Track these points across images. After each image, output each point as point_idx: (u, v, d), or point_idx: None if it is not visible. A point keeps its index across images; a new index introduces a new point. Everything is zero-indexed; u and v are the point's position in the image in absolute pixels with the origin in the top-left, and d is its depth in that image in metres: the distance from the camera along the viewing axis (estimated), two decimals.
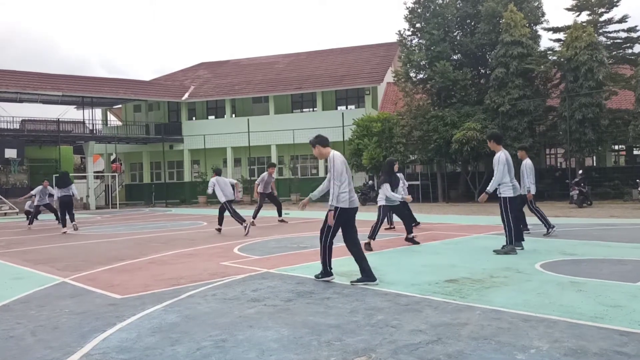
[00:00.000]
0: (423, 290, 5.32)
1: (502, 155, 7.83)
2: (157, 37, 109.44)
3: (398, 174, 10.26)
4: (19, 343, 4.00)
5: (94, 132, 34.31)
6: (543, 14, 25.93)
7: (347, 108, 33.52)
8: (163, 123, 35.75)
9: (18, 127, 31.65)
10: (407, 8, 26.56)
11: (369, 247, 8.38)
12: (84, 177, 33.04)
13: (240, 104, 36.18)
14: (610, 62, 23.87)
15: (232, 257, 8.26)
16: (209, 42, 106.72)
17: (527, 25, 23.61)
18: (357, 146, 25.94)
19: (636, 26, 24.89)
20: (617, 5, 24.86)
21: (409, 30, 26.86)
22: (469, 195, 25.58)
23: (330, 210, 5.75)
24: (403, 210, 9.18)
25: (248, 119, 31.61)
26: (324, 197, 6.09)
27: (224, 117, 35.45)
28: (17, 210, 26.00)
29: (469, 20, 26.82)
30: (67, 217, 14.12)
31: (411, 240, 9.15)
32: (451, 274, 6.14)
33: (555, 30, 26.05)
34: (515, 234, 7.83)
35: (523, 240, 8.17)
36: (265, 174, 14.67)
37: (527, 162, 9.99)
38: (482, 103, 24.52)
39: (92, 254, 9.36)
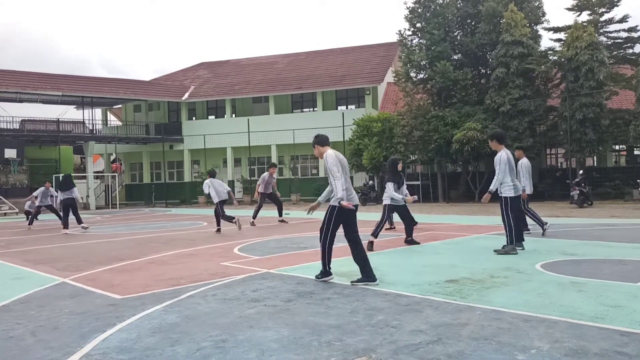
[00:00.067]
0: (423, 291, 5.32)
1: (503, 155, 7.82)
2: (157, 37, 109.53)
3: None
4: (18, 343, 3.99)
5: (94, 132, 34.31)
6: (543, 14, 25.94)
7: (347, 108, 33.52)
8: (163, 123, 35.75)
9: (18, 127, 31.65)
10: (408, 8, 26.59)
11: (371, 246, 8.41)
12: (84, 177, 33.04)
13: (240, 104, 36.17)
14: (610, 62, 23.87)
15: (232, 257, 8.26)
16: (209, 42, 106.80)
17: (528, 25, 23.61)
18: (357, 146, 25.94)
19: (637, 26, 24.89)
20: (617, 5, 24.87)
21: (409, 30, 26.88)
22: (469, 196, 25.57)
23: (337, 203, 5.70)
24: (405, 211, 9.17)
25: (248, 119, 31.62)
26: (315, 196, 6.07)
27: (224, 117, 35.44)
28: (17, 210, 26.00)
29: (469, 20, 26.81)
30: (74, 219, 14.25)
31: (411, 242, 9.14)
32: (451, 274, 6.14)
33: (556, 30, 26.05)
34: (516, 234, 7.82)
35: (523, 240, 8.16)
36: (266, 174, 14.66)
37: (523, 162, 10.00)
38: (482, 103, 24.51)
39: (92, 254, 9.35)
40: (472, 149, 22.50)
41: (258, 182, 14.80)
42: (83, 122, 34.02)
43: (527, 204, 10.20)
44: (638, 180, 21.31)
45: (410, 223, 9.21)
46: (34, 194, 16.60)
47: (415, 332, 3.90)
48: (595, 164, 28.57)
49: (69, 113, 44.17)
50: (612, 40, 25.57)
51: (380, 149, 24.92)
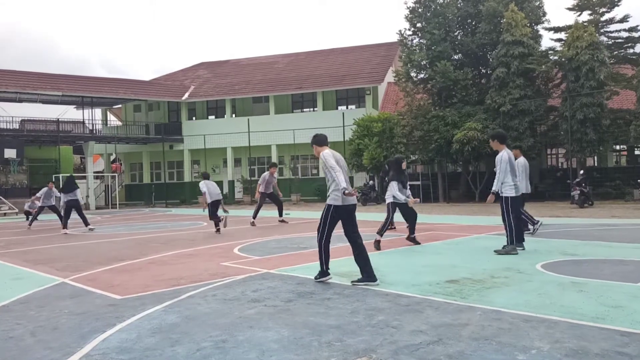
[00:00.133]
0: (424, 291, 5.31)
1: (505, 155, 7.82)
2: (157, 37, 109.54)
3: None
4: (18, 344, 3.99)
5: (94, 132, 34.32)
6: (544, 14, 25.94)
7: (347, 108, 33.51)
8: (163, 123, 35.75)
9: (17, 127, 31.65)
10: (408, 8, 26.59)
11: (378, 245, 8.49)
12: (84, 178, 33.04)
13: (240, 104, 36.17)
14: (611, 61, 23.85)
15: (233, 257, 8.25)
16: (209, 42, 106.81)
17: (528, 24, 23.60)
18: (357, 146, 25.94)
19: (637, 26, 24.86)
20: (618, 5, 24.85)
21: (409, 30, 26.88)
22: (469, 196, 25.56)
23: (333, 201, 5.70)
24: (408, 209, 9.17)
25: (248, 119, 31.61)
26: (323, 197, 6.04)
27: (224, 117, 35.44)
28: (17, 210, 26.00)
29: (469, 20, 26.81)
30: (81, 220, 14.45)
31: (412, 240, 9.14)
32: (452, 275, 6.13)
33: (557, 30, 26.03)
34: (516, 234, 7.81)
35: (524, 240, 8.15)
36: (266, 173, 14.64)
37: (520, 161, 10.00)
38: (483, 103, 24.51)
39: (92, 254, 9.35)
40: (473, 149, 22.49)
41: (259, 182, 14.78)
42: (83, 122, 34.02)
43: (523, 203, 10.19)
44: (639, 180, 21.29)
45: (414, 220, 9.21)
46: (38, 194, 16.65)
47: (415, 333, 3.89)
48: (595, 164, 28.57)
49: (69, 113, 44.24)
50: (612, 40, 25.55)
51: (380, 149, 24.91)
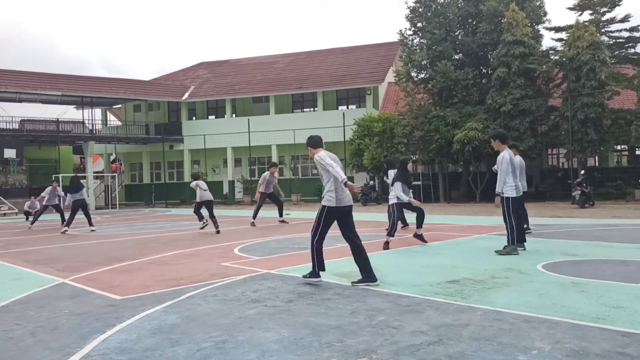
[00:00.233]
0: (424, 291, 5.30)
1: (506, 155, 7.80)
2: (157, 37, 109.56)
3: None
4: (18, 344, 3.98)
5: (94, 132, 34.32)
6: (545, 14, 25.92)
7: (348, 108, 33.50)
8: (163, 123, 35.75)
9: (17, 127, 31.64)
10: (409, 7, 26.57)
11: (387, 246, 8.55)
12: (84, 178, 33.03)
13: (240, 104, 36.17)
14: (612, 61, 23.81)
15: (233, 257, 8.24)
16: (209, 42, 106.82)
17: (529, 24, 23.58)
18: (358, 146, 25.92)
19: (638, 26, 24.78)
20: (619, 5, 24.77)
21: (410, 29, 26.85)
22: (470, 196, 25.55)
23: (328, 202, 5.69)
24: (414, 207, 9.19)
25: (248, 119, 31.60)
26: (320, 196, 6.00)
27: (224, 117, 35.44)
28: (17, 210, 25.99)
29: (470, 20, 26.79)
30: (85, 219, 14.61)
31: (420, 238, 9.14)
32: (453, 275, 6.12)
33: (557, 29, 25.99)
34: (517, 234, 7.80)
35: (525, 241, 8.13)
36: (267, 173, 14.61)
37: (515, 160, 9.98)
38: (483, 103, 24.49)
39: (92, 254, 9.34)
40: (473, 149, 22.48)
41: (259, 182, 14.76)
42: (83, 122, 34.02)
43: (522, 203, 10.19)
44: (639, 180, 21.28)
45: (421, 215, 9.25)
46: (42, 194, 16.76)
47: (416, 333, 3.89)
48: (596, 164, 28.55)
49: (69, 113, 44.20)
50: (613, 40, 25.49)
51: (381, 149, 24.89)
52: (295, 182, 30.75)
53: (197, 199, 13.46)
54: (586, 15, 25.52)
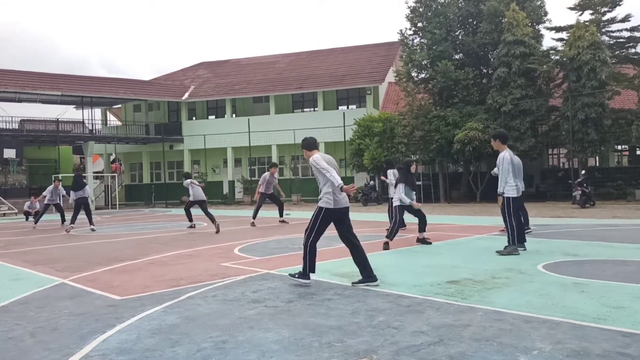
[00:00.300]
0: (425, 292, 5.29)
1: (507, 155, 7.80)
2: (157, 37, 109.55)
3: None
4: (17, 344, 3.97)
5: (94, 132, 34.31)
6: (545, 13, 25.90)
7: (348, 108, 33.49)
8: (163, 123, 35.74)
9: (17, 127, 31.64)
10: (409, 7, 26.56)
11: (387, 246, 8.55)
12: (84, 178, 33.02)
13: (240, 104, 36.16)
14: (613, 61, 23.79)
15: (233, 257, 8.23)
16: (209, 42, 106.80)
17: (530, 24, 23.57)
18: (358, 146, 25.92)
19: (639, 25, 24.78)
20: (620, 5, 24.75)
21: (410, 29, 26.85)
22: (471, 196, 25.54)
23: (325, 204, 5.66)
24: (416, 210, 9.18)
25: (248, 119, 31.60)
26: (316, 196, 5.96)
27: (224, 117, 35.43)
28: (16, 210, 25.98)
29: (471, 20, 26.78)
30: (86, 218, 14.67)
31: (423, 241, 9.13)
32: (453, 275, 6.11)
33: (558, 29, 25.98)
34: (518, 234, 7.79)
35: (525, 241, 8.12)
36: (267, 174, 14.60)
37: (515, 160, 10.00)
38: (484, 103, 24.48)
39: (92, 254, 9.33)
40: (474, 149, 22.47)
41: (259, 182, 14.74)
42: (82, 122, 34.01)
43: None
44: None
45: (423, 219, 9.24)
46: (44, 193, 16.83)
47: (416, 333, 3.88)
48: (597, 164, 28.53)
49: (69, 113, 44.15)
50: (614, 40, 25.48)
51: (381, 149, 24.89)
52: (296, 182, 30.74)
53: (191, 198, 13.63)
54: (587, 15, 25.54)
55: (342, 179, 5.87)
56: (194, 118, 36.68)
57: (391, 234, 8.81)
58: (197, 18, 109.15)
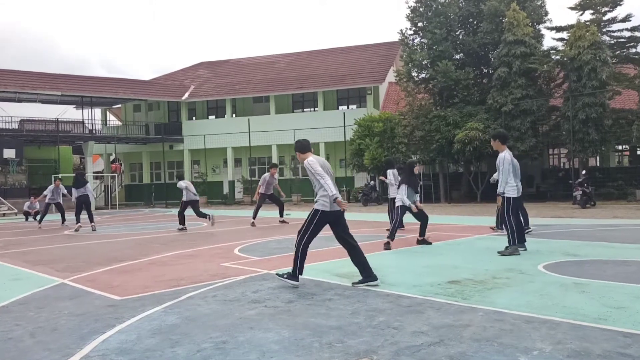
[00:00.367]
0: (425, 292, 5.29)
1: (507, 155, 7.80)
2: (157, 37, 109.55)
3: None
4: (17, 345, 3.97)
5: (94, 132, 34.29)
6: (546, 13, 25.89)
7: (348, 108, 33.48)
8: (163, 123, 35.73)
9: (17, 127, 31.63)
10: (409, 7, 26.54)
11: (388, 246, 8.54)
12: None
13: (240, 104, 36.16)
14: (613, 61, 23.78)
15: (233, 258, 8.23)
16: (209, 42, 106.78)
17: (530, 24, 23.56)
18: (358, 146, 25.91)
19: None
20: (620, 4, 24.72)
21: (410, 29, 26.83)
22: (471, 196, 25.54)
23: (321, 206, 5.63)
24: (419, 212, 9.17)
25: (249, 119, 31.59)
26: (311, 196, 5.92)
27: (224, 117, 35.42)
28: (16, 210, 25.98)
29: (471, 20, 26.77)
30: (86, 215, 14.76)
31: (422, 241, 9.12)
32: (453, 275, 6.10)
33: (559, 29, 25.96)
34: (518, 234, 7.78)
35: (525, 241, 8.11)
36: (267, 174, 14.60)
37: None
38: (484, 103, 24.47)
39: (92, 254, 9.33)
40: (474, 149, 22.46)
41: (259, 183, 14.74)
42: (82, 122, 34.00)
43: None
44: None
45: (425, 222, 9.22)
46: (45, 192, 16.86)
47: (416, 334, 3.87)
48: (598, 164, 28.53)
49: (68, 113, 44.06)
50: (615, 40, 25.46)
51: (381, 149, 24.88)
52: (296, 182, 30.73)
53: (185, 199, 13.84)
54: (587, 15, 25.51)
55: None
56: (194, 118, 36.68)
57: (392, 234, 8.80)
58: (197, 18, 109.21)
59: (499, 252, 7.70)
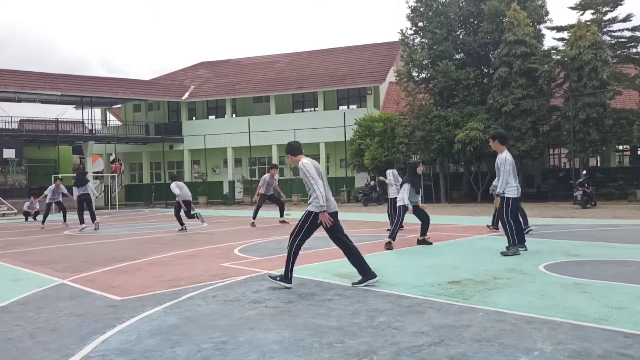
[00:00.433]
0: (425, 292, 5.28)
1: (507, 156, 7.79)
2: (157, 37, 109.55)
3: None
4: (17, 345, 3.96)
5: (93, 132, 34.30)
6: (547, 13, 25.89)
7: (348, 108, 33.47)
8: (163, 123, 35.73)
9: (16, 127, 31.62)
10: (410, 7, 26.54)
11: (389, 246, 8.54)
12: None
13: (240, 104, 36.15)
14: (614, 61, 23.76)
15: (233, 258, 8.22)
16: (209, 42, 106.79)
17: (531, 24, 23.56)
18: (359, 146, 25.91)
19: None
20: (621, 4, 24.70)
21: (411, 29, 26.83)
22: (471, 196, 25.53)
23: (319, 211, 5.59)
24: (420, 211, 9.16)
25: (249, 119, 31.58)
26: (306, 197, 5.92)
27: (224, 117, 35.42)
28: (16, 211, 25.98)
29: (471, 19, 26.77)
30: (88, 215, 14.79)
31: (424, 243, 9.11)
32: (454, 276, 6.09)
33: (559, 29, 25.95)
34: (517, 235, 7.77)
35: (525, 241, 8.10)
36: (267, 175, 14.59)
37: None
38: (485, 103, 24.47)
39: (92, 255, 9.33)
40: (475, 149, 22.46)
41: (259, 184, 14.73)
42: (82, 122, 34.01)
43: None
44: None
45: (426, 222, 9.21)
46: (46, 192, 16.89)
47: (417, 334, 3.86)
48: (598, 164, 28.52)
49: (68, 113, 44.04)
50: (615, 40, 25.45)
51: (382, 149, 24.88)
52: (296, 183, 30.70)
53: (178, 198, 13.85)
54: (588, 15, 25.50)
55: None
56: (194, 118, 36.67)
57: (393, 234, 8.79)
58: (197, 18, 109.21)
59: (501, 253, 7.68)
